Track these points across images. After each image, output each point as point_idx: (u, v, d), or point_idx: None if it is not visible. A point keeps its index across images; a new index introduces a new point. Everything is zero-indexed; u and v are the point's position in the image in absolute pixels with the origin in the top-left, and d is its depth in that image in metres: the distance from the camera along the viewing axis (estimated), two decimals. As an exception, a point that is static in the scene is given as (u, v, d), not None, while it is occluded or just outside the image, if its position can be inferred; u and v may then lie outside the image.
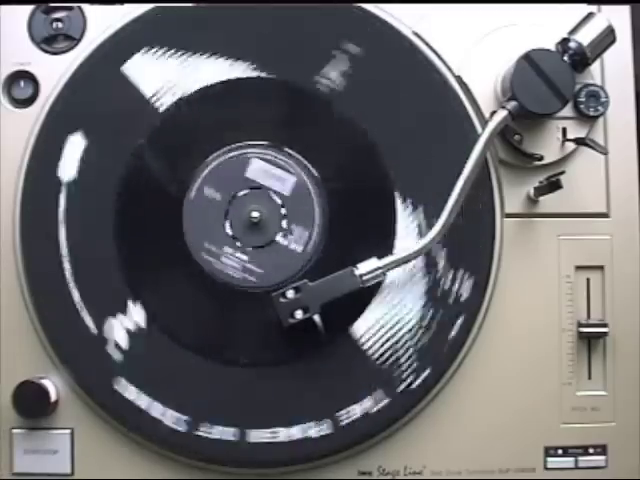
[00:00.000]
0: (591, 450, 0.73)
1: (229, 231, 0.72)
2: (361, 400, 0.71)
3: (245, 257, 0.72)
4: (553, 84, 0.69)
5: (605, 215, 0.75)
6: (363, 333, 0.71)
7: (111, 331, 0.71)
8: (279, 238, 0.72)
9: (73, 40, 0.74)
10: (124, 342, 0.71)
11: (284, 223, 0.72)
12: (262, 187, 0.72)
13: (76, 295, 0.71)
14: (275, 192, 0.72)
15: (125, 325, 0.71)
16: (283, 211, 0.72)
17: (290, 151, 0.72)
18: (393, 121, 0.73)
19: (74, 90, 0.72)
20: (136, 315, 0.71)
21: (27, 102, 0.73)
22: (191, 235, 0.71)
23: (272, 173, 0.72)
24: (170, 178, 0.72)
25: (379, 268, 0.68)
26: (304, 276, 0.70)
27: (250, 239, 0.72)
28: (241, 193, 0.72)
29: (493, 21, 0.75)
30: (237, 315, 0.71)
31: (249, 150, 0.72)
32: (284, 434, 0.71)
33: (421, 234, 0.71)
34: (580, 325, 0.73)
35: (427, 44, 0.74)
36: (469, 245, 0.72)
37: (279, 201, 0.72)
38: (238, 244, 0.72)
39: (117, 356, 0.71)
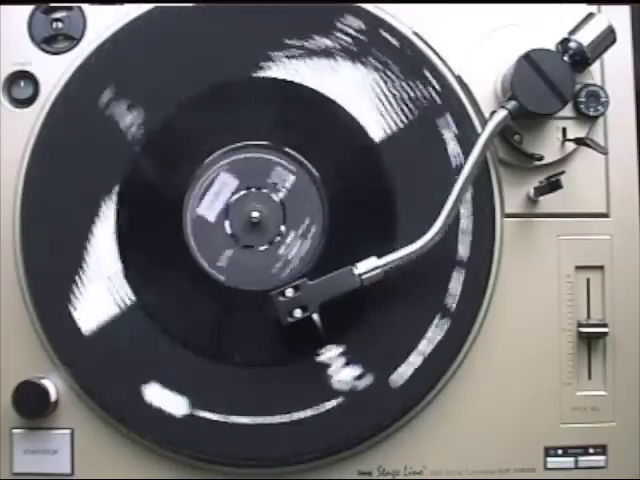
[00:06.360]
0: (591, 450, 0.73)
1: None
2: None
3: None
4: (553, 84, 0.69)
5: (605, 215, 0.75)
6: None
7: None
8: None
9: (73, 40, 0.74)
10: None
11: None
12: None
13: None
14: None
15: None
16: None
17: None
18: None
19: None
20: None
21: (27, 102, 0.73)
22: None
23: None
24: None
25: (378, 267, 0.68)
26: (304, 275, 0.70)
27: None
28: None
29: (493, 21, 0.75)
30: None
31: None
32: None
33: (421, 233, 0.71)
34: (580, 325, 0.73)
35: (427, 44, 0.74)
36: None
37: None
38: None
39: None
